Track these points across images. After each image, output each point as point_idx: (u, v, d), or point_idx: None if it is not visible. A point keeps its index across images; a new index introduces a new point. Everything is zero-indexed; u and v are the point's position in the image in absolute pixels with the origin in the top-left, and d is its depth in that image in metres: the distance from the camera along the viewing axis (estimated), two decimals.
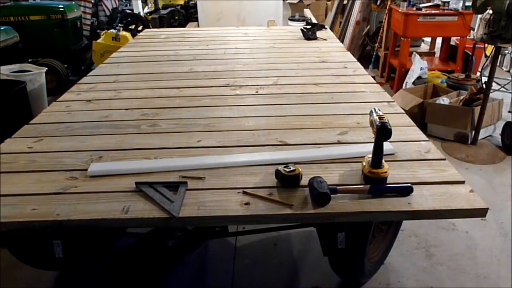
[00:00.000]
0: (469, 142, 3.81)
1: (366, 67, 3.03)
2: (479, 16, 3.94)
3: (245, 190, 1.49)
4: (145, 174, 1.61)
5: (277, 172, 1.54)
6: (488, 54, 4.21)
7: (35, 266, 1.97)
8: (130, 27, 6.16)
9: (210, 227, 2.08)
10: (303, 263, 2.42)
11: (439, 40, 5.70)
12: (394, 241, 2.27)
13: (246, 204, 1.43)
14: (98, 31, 6.38)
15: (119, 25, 5.78)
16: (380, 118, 1.48)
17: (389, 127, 1.44)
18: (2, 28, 4.51)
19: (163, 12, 7.09)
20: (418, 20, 4.73)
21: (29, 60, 4.98)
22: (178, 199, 1.44)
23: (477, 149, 3.75)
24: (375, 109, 1.55)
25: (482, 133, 3.83)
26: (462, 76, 4.46)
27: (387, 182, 1.52)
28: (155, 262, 2.43)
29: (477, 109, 3.70)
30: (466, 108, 3.80)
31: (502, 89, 3.93)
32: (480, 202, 1.42)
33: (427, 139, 1.89)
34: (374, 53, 5.90)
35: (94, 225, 1.38)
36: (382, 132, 1.44)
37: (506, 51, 5.19)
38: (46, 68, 4.41)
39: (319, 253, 2.20)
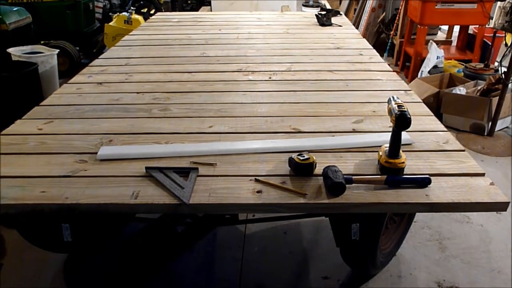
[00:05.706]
0: (486, 134, 3.72)
1: (380, 55, 2.96)
2: (498, 4, 3.82)
3: (257, 177, 1.46)
4: (155, 159, 1.58)
5: (291, 160, 1.50)
6: (508, 43, 4.09)
7: (44, 248, 1.97)
8: (142, 10, 6.10)
9: (220, 214, 2.06)
10: (313, 252, 2.39)
11: (456, 29, 5.55)
12: (406, 233, 2.22)
13: (258, 192, 1.39)
14: (110, 14, 6.33)
15: (132, 8, 5.73)
16: (399, 106, 1.43)
17: (409, 116, 1.39)
18: (15, 9, 4.51)
19: None
20: (436, 7, 4.60)
21: (41, 42, 4.96)
22: (188, 185, 1.41)
23: (493, 141, 3.67)
24: (393, 97, 1.50)
25: (499, 125, 3.73)
26: (480, 65, 4.34)
27: (404, 173, 1.47)
28: (164, 248, 2.42)
29: (495, 100, 3.61)
30: (483, 98, 3.71)
31: None
32: (501, 195, 1.37)
33: (445, 129, 1.83)
34: (389, 41, 5.79)
35: (102, 210, 1.36)
36: (401, 121, 1.39)
37: None
38: (58, 50, 4.39)
39: (329, 243, 2.17)
